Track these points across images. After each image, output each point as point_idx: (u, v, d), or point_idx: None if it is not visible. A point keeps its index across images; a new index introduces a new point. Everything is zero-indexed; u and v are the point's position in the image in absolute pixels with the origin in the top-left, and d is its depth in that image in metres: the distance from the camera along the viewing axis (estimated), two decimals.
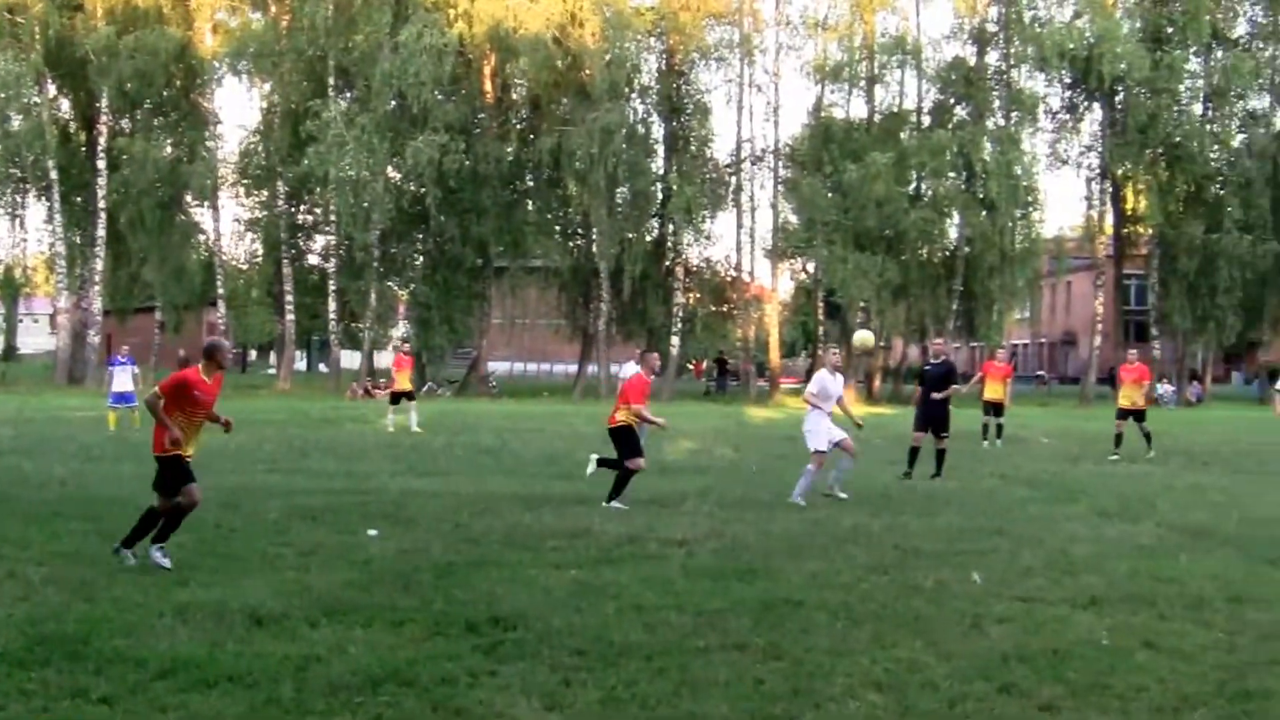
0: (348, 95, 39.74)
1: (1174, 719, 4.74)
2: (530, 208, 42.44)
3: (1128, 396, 17.62)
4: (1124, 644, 5.84)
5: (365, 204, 37.16)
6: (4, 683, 4.85)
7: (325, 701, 4.71)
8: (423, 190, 37.89)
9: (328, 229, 41.11)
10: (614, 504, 10.67)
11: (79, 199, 42.01)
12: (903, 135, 40.37)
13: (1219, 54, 40.80)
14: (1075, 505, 11.56)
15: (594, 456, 11.41)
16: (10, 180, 41.23)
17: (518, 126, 41.42)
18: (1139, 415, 17.61)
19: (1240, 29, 42.65)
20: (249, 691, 4.81)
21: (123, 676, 4.95)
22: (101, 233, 39.96)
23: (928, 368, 15.28)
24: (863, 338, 17.41)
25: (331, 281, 40.44)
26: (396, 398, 21.57)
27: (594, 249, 39.87)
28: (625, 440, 10.95)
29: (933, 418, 14.02)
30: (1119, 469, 15.85)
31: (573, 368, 44.60)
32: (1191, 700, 4.93)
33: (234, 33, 40.84)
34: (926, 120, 41.36)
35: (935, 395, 14.06)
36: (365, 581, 7.09)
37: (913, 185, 40.31)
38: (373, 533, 8.84)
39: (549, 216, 42.34)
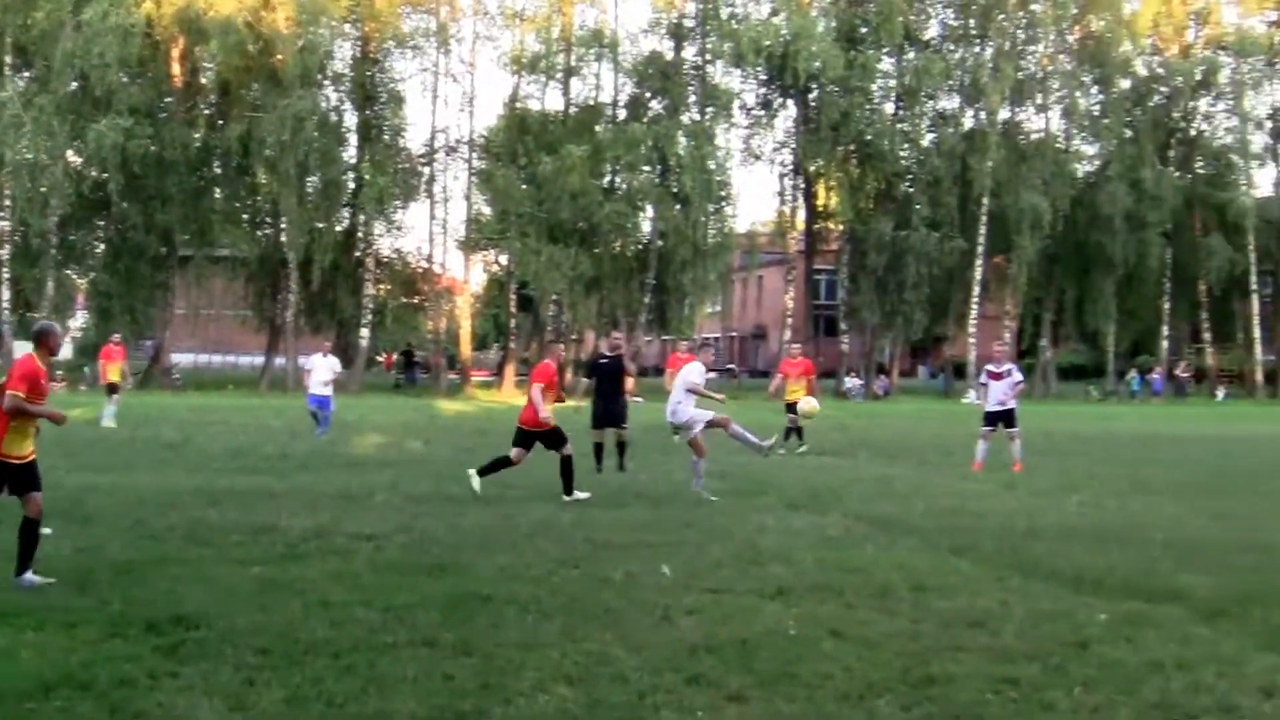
0: (26, 75, 44.89)
1: (859, 706, 5.56)
2: (218, 195, 48.19)
3: (793, 391, 19.84)
4: (811, 633, 6.86)
5: (43, 189, 42.40)
6: None
7: None
8: (105, 176, 42.87)
9: (2, 214, 44.86)
10: (577, 495, 12.79)
11: None
12: (598, 128, 47.76)
13: (911, 55, 49.93)
14: (764, 497, 13.44)
15: (472, 471, 13.23)
16: None
17: (206, 112, 46.64)
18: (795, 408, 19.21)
19: (932, 31, 52.18)
20: None
21: None
22: None
23: (602, 361, 17.15)
24: (807, 407, 18.35)
25: (5, 269, 44.67)
26: (111, 389, 24.03)
27: (283, 238, 45.63)
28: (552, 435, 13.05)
29: (611, 412, 16.17)
30: (808, 461, 18.55)
31: (259, 359, 50.42)
32: (876, 687, 5.81)
33: None
34: (622, 114, 49.09)
35: (616, 390, 16.29)
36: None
37: (607, 178, 47.64)
38: (46, 531, 9.02)
39: (237, 205, 48.56)
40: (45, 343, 8.18)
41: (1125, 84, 53.77)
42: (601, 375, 16.60)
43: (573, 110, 49.43)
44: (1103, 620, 7.38)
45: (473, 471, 13.11)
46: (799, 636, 6.86)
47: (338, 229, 47.84)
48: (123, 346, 25.96)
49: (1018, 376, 18.47)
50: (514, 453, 13.14)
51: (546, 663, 6.19)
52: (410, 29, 47.80)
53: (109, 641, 6.46)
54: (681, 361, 23.94)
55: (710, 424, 13.46)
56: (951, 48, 51.57)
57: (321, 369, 21.91)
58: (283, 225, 46.04)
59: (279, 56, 43.89)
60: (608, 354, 17.15)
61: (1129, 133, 52.57)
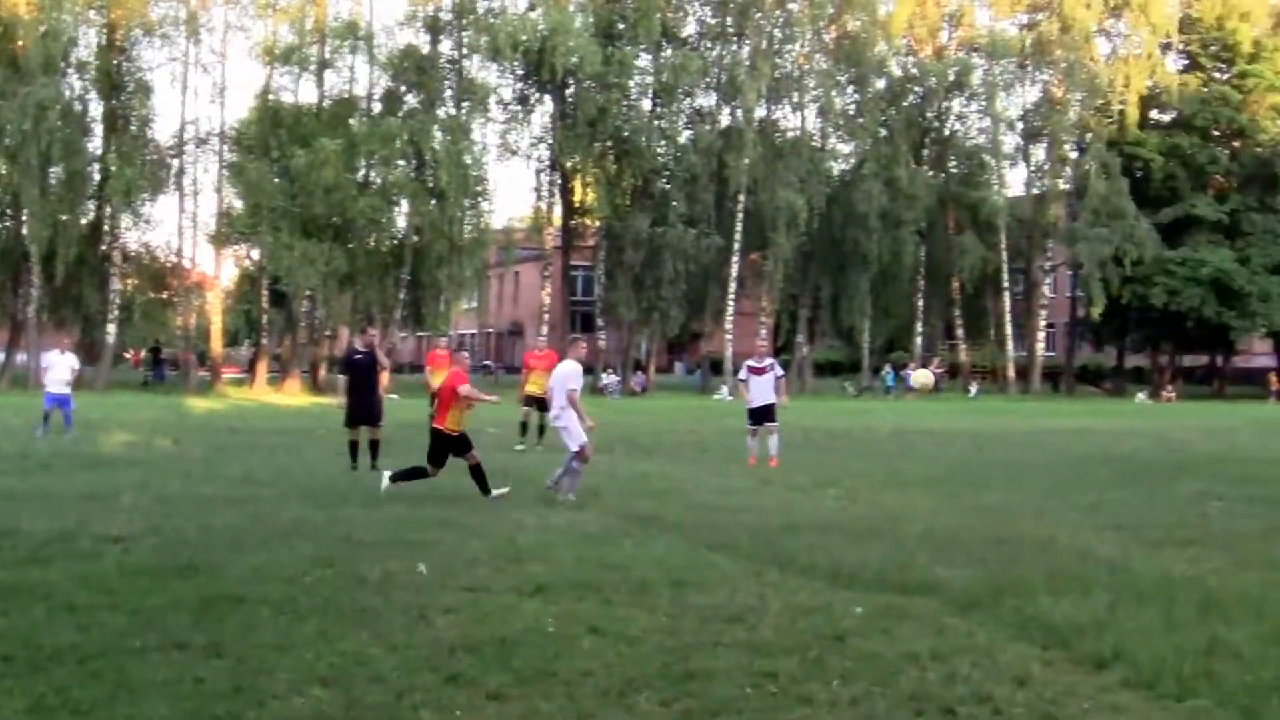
0: None
1: (619, 702, 6.35)
2: None
3: (537, 384, 21.14)
4: (570, 630, 7.76)
5: None
6: None
7: None
8: None
9: None
10: (497, 492, 14.42)
11: None
12: (353, 122, 53.39)
13: (668, 52, 57.39)
14: (521, 494, 14.68)
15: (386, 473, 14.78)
16: None
17: None
18: (544, 404, 20.12)
19: (689, 28, 60.16)
20: None
21: None
22: None
23: (356, 357, 18.68)
24: (922, 379, 20.61)
25: None
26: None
27: (24, 231, 49.84)
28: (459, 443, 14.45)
29: (364, 408, 17.80)
30: (565, 457, 19.51)
31: None
32: (636, 683, 6.64)
33: None
34: (377, 107, 54.94)
35: (370, 386, 17.93)
36: None
37: (362, 173, 53.23)
38: None
39: None
40: None
41: (880, 84, 62.80)
42: (355, 371, 18.32)
43: (327, 103, 55.02)
44: (859, 613, 8.37)
45: (386, 473, 14.90)
46: (558, 634, 7.67)
47: (83, 222, 52.19)
48: None
49: (779, 372, 20.42)
50: (430, 468, 14.68)
51: (301, 664, 6.86)
52: (159, 17, 52.58)
53: None
54: (440, 359, 26.37)
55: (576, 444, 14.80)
56: (709, 45, 59.63)
57: (60, 367, 24.14)
58: (24, 217, 50.26)
59: (20, 43, 48.20)
60: (361, 350, 18.87)
61: (884, 132, 61.44)
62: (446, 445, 14.64)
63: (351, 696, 6.36)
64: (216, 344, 56.76)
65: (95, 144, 52.87)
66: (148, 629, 7.59)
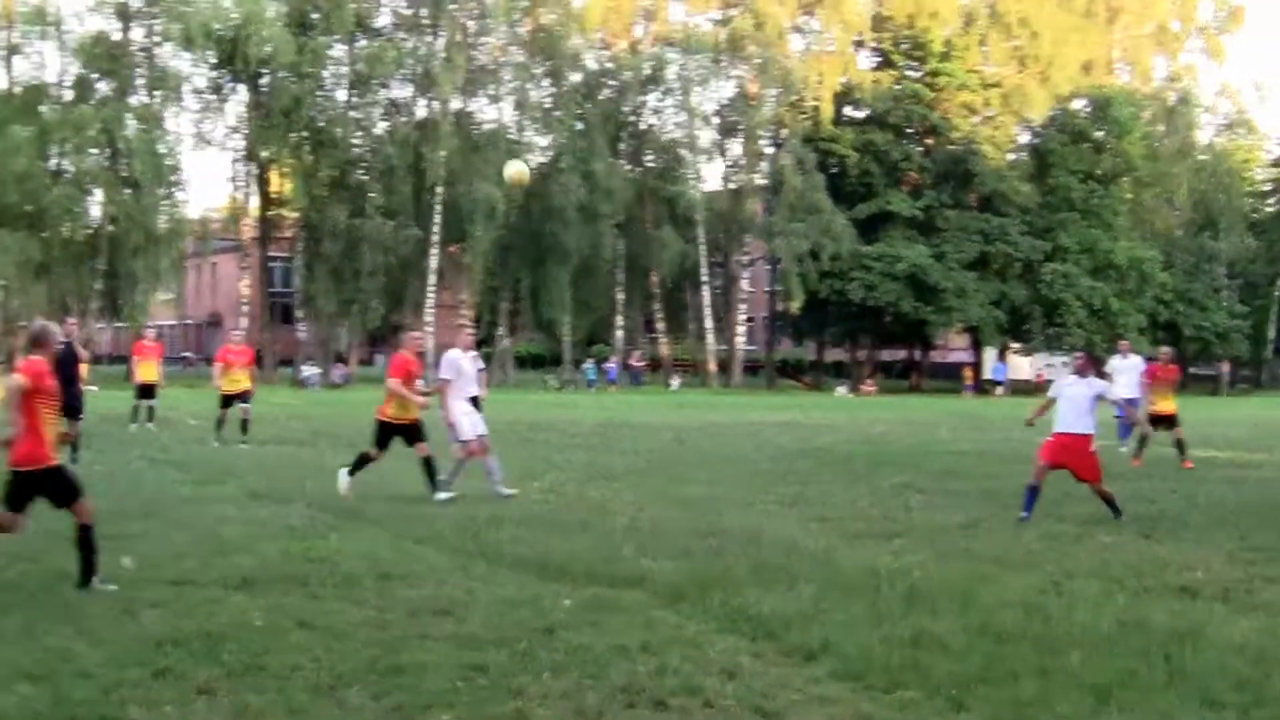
0: None
1: (329, 696, 7.89)
2: None
3: (234, 381, 27.69)
4: (278, 624, 9.61)
5: None
6: None
7: None
8: None
9: None
10: (440, 495, 17.63)
11: None
12: (44, 109, 66.58)
13: (363, 42, 73.49)
14: (225, 487, 17.79)
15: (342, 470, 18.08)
16: None
17: None
18: (245, 397, 27.58)
19: (384, 19, 77.07)
20: None
21: None
22: None
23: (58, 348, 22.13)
24: (517, 171, 23.13)
25: None
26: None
27: None
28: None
29: (65, 401, 18.45)
30: (268, 451, 25.15)
31: None
32: (346, 677, 8.26)
33: None
34: (69, 94, 68.74)
35: (70, 379, 20.28)
36: None
37: (54, 161, 66.61)
38: None
39: None
40: (45, 344, 12.49)
41: (576, 77, 79.77)
42: (59, 362, 19.78)
43: (16, 90, 68.38)
44: (568, 605, 10.53)
45: (342, 471, 17.94)
46: (266, 627, 9.57)
47: None
48: None
49: (480, 364, 22.73)
50: (374, 450, 17.93)
51: (6, 660, 8.53)
52: None
53: None
54: (148, 350, 32.17)
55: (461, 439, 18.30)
56: (404, 36, 75.82)
57: None
58: None
59: None
60: (60, 341, 19.67)
61: (580, 125, 77.94)
62: (391, 433, 18.17)
63: (59, 693, 7.90)
64: None
65: None
66: None
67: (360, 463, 18.31)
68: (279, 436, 29.02)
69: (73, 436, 16.97)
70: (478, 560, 12.89)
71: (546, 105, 79.16)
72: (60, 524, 11.91)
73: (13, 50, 68.92)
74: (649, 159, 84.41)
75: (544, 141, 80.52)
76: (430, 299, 74.73)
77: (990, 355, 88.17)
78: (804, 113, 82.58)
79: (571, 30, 77.79)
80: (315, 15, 72.67)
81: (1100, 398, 17.14)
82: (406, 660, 8.90)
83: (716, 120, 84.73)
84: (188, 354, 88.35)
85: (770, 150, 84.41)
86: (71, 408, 19.63)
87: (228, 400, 27.75)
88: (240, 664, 8.66)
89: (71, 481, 11.53)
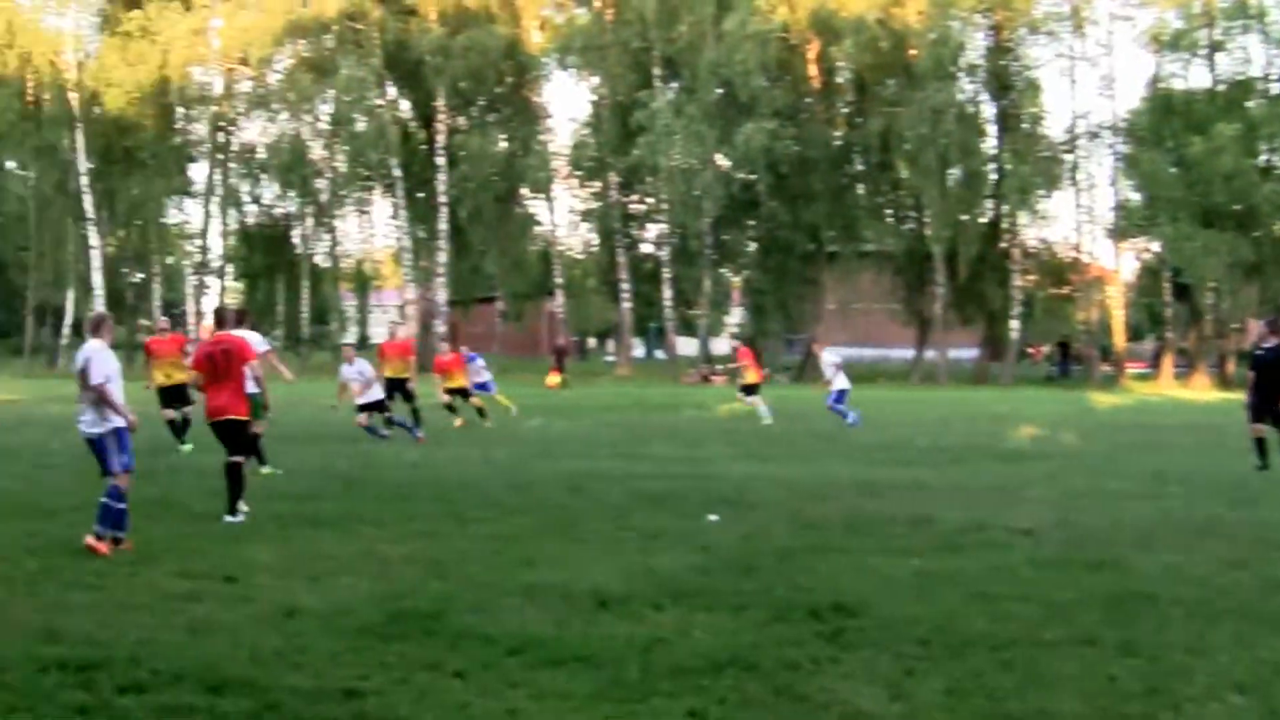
0: (674, 85, 67.70)
1: None
2: (860, 191, 69.64)
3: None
4: None
5: (696, 192, 63.66)
6: (366, 655, 8.81)
7: (670, 683, 8.18)
8: (753, 177, 64.57)
9: (660, 218, 69.88)
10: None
11: (421, 194, 75.24)
12: (1250, 104, 62.37)
13: None
14: None
15: None
16: (358, 179, 75.49)
17: (844, 110, 68.35)
18: None
19: None
20: (596, 671, 8.43)
21: (475, 652, 8.89)
22: (444, 226, 72.14)
23: (1259, 353, 22.02)
24: None
25: (665, 269, 69.10)
26: (750, 389, 34.38)
27: (927, 232, 64.69)
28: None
29: (1271, 406, 21.33)
30: None
31: (909, 353, 71.35)
32: None
33: (561, 28, 71.91)
34: (1275, 88, 63.80)
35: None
36: (707, 566, 12.23)
37: (1263, 157, 62.32)
38: (713, 518, 15.26)
39: (880, 200, 69.68)
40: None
41: None
42: (1262, 367, 21.70)
43: (1220, 87, 65.17)
44: None
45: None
46: None
47: (981, 220, 67.59)
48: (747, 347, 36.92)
49: None
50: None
51: (1217, 668, 8.57)
52: (1043, 14, 66.72)
53: (773, 625, 9.83)
54: None
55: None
56: None
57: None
58: (925, 218, 66.29)
59: (912, 51, 63.92)
60: (1265, 345, 21.97)
61: None
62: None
63: (1270, 705, 7.90)
64: (1119, 338, 69.46)
65: (989, 144, 68.62)
66: (1058, 622, 9.86)
67: None
68: None
69: None
70: None
71: None
72: (1278, 535, 13.75)
73: (1215, 47, 65.97)
74: None
75: None
76: None
77: None
78: None
79: None
80: None
81: None
82: None
83: None
84: None
85: None
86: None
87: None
88: None
89: None
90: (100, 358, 13.48)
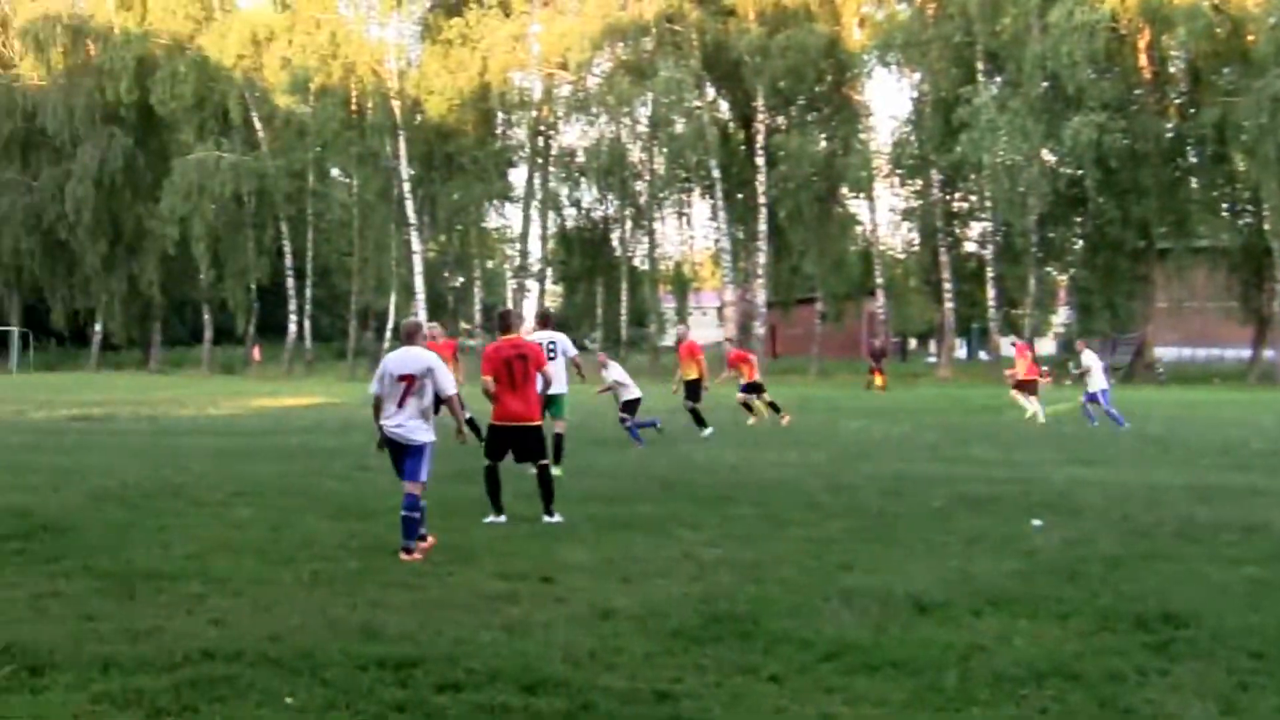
0: (997, 80, 66.17)
1: None
2: (1194, 185, 66.82)
3: None
4: None
5: (1021, 189, 61.84)
6: (680, 657, 8.95)
7: (989, 692, 8.11)
8: (1080, 172, 62.25)
9: (983, 215, 69.50)
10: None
11: (740, 195, 76.44)
12: None
13: None
14: None
15: None
16: (676, 181, 77.30)
17: (1176, 101, 65.63)
18: None
19: None
20: (912, 678, 8.40)
21: (790, 656, 8.91)
22: (763, 227, 72.71)
23: None
24: None
25: (989, 268, 68.16)
26: (1025, 386, 34.74)
27: (1265, 226, 61.65)
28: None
29: None
30: None
31: (1245, 353, 67.69)
32: None
33: (881, 25, 70.83)
34: None
35: None
36: (1029, 572, 12.05)
37: None
38: (1037, 523, 15.09)
39: (1214, 194, 66.61)
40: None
41: None
42: None
43: None
44: None
45: None
46: None
47: None
48: (1025, 344, 38.07)
49: None
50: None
51: None
52: None
53: (1098, 634, 9.69)
54: None
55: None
56: None
57: None
58: (1265, 212, 62.96)
59: (1250, 37, 60.69)
60: None
61: None
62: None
63: None
64: None
65: None
66: None
67: None
68: None
69: None
70: None
71: None
72: None
73: None
74: None
75: None
76: None
77: None
78: None
79: None
80: None
81: None
82: None
83: None
84: None
85: None
86: None
87: None
88: None
89: None
90: (444, 368, 13.82)
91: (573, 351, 21.17)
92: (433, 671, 8.55)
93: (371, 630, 9.70)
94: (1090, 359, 32.72)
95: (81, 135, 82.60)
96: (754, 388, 33.46)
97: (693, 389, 29.38)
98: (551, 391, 17.44)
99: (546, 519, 15.31)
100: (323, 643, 9.28)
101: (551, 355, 19.30)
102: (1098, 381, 32.23)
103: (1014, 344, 40.85)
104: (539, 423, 15.70)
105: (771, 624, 9.88)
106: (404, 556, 12.88)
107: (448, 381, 13.65)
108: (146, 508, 16.42)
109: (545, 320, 21.76)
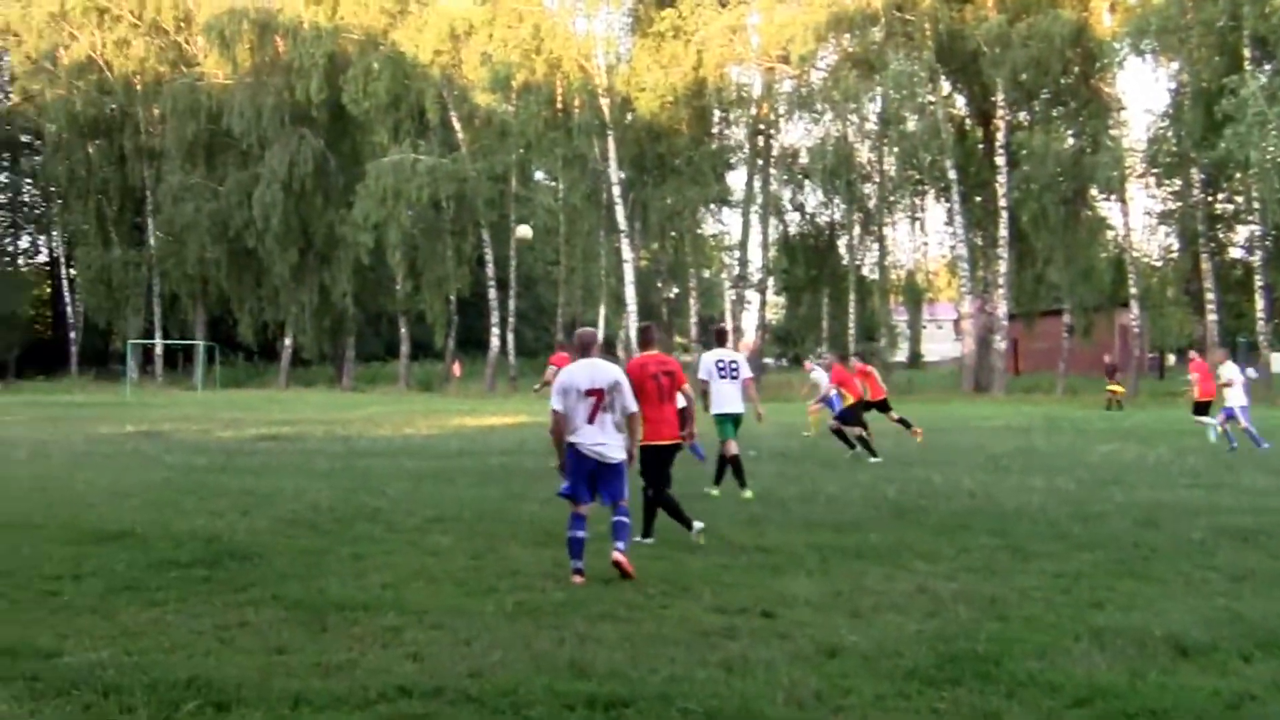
0: (1266, 68, 60.05)
1: None
2: None
3: None
4: None
5: None
6: (915, 700, 8.52)
7: None
8: None
9: (1250, 218, 63.01)
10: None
11: (979, 198, 72.12)
12: None
13: None
14: None
15: None
16: (909, 183, 73.83)
17: None
18: None
19: None
20: None
21: (1036, 702, 8.44)
22: (1004, 233, 68.31)
23: None
24: (522, 233, 32.55)
25: (1258, 276, 62.38)
26: (1201, 408, 33.85)
27: None
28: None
29: None
30: None
31: None
32: None
33: (1134, 9, 64.36)
34: None
35: None
36: None
37: None
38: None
39: None
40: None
41: None
42: None
43: None
44: None
45: None
46: None
47: None
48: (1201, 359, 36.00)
49: None
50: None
51: None
52: None
53: None
54: None
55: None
56: None
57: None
58: None
59: None
60: None
61: None
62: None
63: None
64: None
65: None
66: None
67: None
68: None
69: None
70: None
71: None
72: None
73: None
74: None
75: None
76: None
77: None
78: None
79: None
80: None
81: None
82: None
83: None
84: None
85: None
86: None
87: None
88: None
89: None
90: (627, 382, 13.48)
91: (749, 373, 20.42)
92: (645, 711, 8.25)
93: (579, 666, 9.33)
94: (1231, 371, 31.08)
95: (269, 137, 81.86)
96: (871, 406, 31.08)
97: (851, 410, 28.60)
98: (728, 410, 19.20)
99: (640, 539, 14.70)
100: (527, 679, 8.94)
101: (734, 374, 19.78)
102: (1237, 397, 30.53)
103: (1190, 359, 37.27)
104: (677, 441, 15.29)
105: (1015, 666, 9.32)
106: (615, 557, 12.78)
107: (632, 397, 13.30)
108: (339, 534, 16.10)
109: (722, 337, 21.23)
